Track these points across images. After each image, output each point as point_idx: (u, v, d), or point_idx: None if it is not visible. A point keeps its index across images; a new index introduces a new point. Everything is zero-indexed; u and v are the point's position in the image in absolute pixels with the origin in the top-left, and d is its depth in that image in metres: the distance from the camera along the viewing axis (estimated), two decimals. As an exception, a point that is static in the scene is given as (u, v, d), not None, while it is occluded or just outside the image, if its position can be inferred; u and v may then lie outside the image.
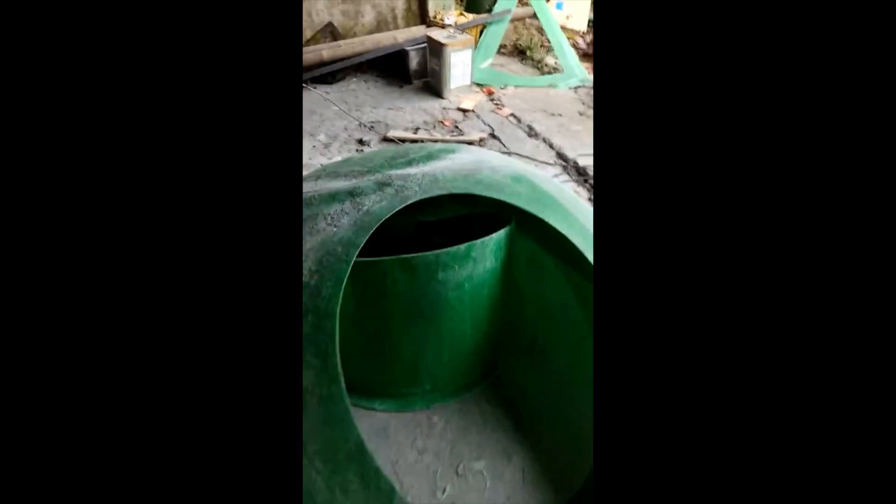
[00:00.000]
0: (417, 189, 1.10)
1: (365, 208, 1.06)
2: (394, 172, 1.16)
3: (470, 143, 2.57)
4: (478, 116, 2.84)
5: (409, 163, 1.22)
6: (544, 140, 2.61)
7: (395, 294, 1.08)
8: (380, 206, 1.06)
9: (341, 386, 0.90)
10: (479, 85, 3.20)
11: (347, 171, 1.23)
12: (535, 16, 4.04)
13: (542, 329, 1.46)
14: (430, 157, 1.26)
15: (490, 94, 3.12)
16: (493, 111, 2.90)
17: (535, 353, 1.45)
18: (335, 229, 1.04)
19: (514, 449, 1.22)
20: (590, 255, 1.19)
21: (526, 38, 3.92)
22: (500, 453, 1.21)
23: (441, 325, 1.18)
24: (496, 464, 1.18)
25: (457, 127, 2.74)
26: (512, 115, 2.86)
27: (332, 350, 0.91)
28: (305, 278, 0.98)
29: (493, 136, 2.65)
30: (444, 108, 2.91)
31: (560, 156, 2.47)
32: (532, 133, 2.67)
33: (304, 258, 1.01)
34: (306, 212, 1.10)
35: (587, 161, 2.40)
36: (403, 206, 1.05)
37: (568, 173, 2.34)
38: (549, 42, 3.91)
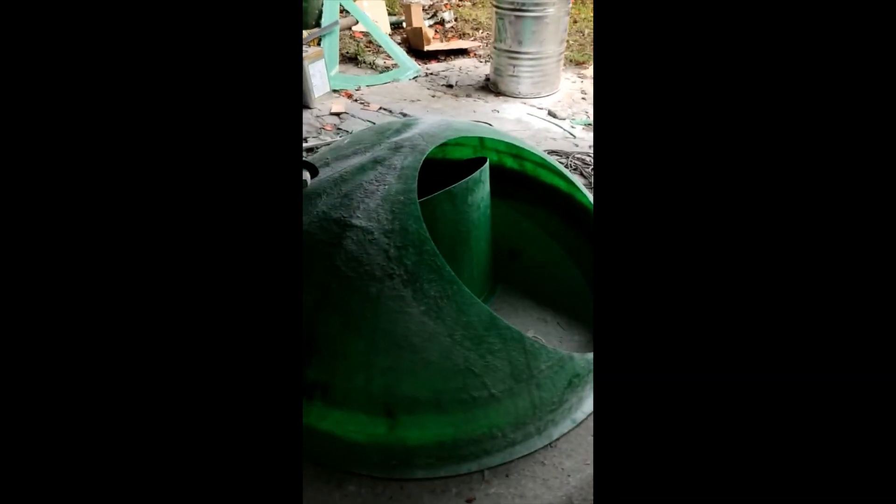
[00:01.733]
0: (425, 143, 1.39)
1: (398, 165, 1.32)
2: (395, 139, 1.42)
3: (360, 138, 2.83)
4: (352, 116, 3.09)
5: (397, 132, 1.49)
6: (421, 120, 3.02)
7: (443, 223, 1.36)
8: (409, 160, 1.33)
9: (459, 282, 1.16)
10: (335, 91, 3.43)
11: (351, 151, 1.44)
12: (350, 28, 4.39)
13: (514, 242, 1.89)
14: (407, 125, 1.54)
15: (349, 96, 3.39)
16: (363, 109, 3.18)
17: (514, 258, 1.87)
18: (386, 187, 1.28)
19: (546, 317, 1.62)
20: (542, 159, 1.65)
21: (351, 46, 4.25)
22: (538, 321, 1.60)
23: (471, 243, 1.50)
24: (540, 328, 1.57)
25: (339, 129, 2.96)
26: (381, 108, 3.18)
27: (440, 262, 1.17)
28: (387, 226, 1.21)
29: (376, 128, 2.95)
30: (317, 116, 3.08)
31: (441, 128, 2.91)
32: (405, 116, 3.05)
33: (375, 214, 1.23)
34: (348, 185, 1.30)
35: (462, 127, 2.90)
36: (425, 155, 1.34)
37: (454, 139, 2.80)
38: (370, 46, 4.30)
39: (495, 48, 3.45)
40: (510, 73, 3.40)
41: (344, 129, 2.95)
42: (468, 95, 3.49)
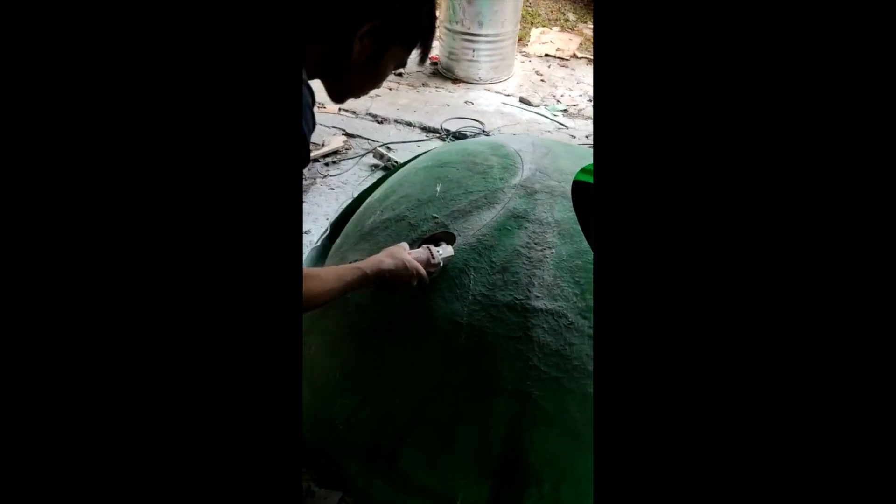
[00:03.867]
0: (560, 184, 1.16)
1: (549, 220, 1.07)
2: (516, 181, 1.16)
3: (335, 151, 2.38)
4: (311, 123, 2.59)
5: (506, 170, 1.21)
6: (397, 121, 2.64)
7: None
8: (558, 211, 1.09)
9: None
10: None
11: (466, 203, 1.14)
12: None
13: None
14: (504, 156, 1.27)
15: (292, 97, 2.84)
16: (319, 111, 2.68)
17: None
18: (552, 251, 1.03)
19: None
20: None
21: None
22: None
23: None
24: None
25: (301, 141, 2.47)
26: (341, 109, 2.72)
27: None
28: (580, 303, 0.97)
29: (349, 135, 2.51)
30: (268, 128, 2.52)
31: (426, 129, 2.58)
32: (380, 119, 2.65)
33: (558, 290, 0.98)
34: (498, 254, 1.02)
35: (451, 125, 2.60)
36: (570, 200, 1.11)
37: (444, 140, 2.50)
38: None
39: (447, 29, 3.15)
40: (469, 57, 3.14)
41: (312, 140, 2.46)
42: (424, 84, 3.16)
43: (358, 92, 0.80)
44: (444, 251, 0.99)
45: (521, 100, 3.01)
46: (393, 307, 1.07)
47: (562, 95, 3.09)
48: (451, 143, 1.64)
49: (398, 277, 0.89)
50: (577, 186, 1.46)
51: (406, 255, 0.91)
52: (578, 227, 1.06)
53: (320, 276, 0.82)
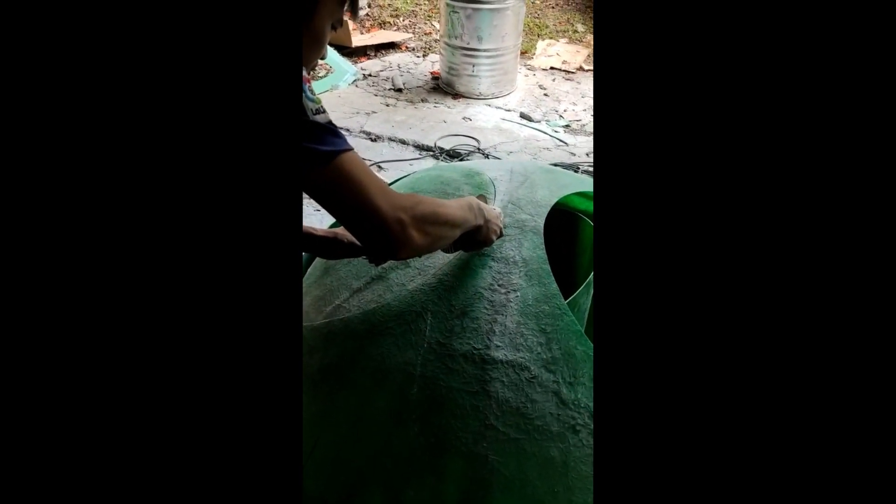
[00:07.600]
0: (532, 217, 1.07)
1: (517, 258, 0.99)
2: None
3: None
4: (304, 141, 2.56)
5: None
6: (391, 139, 2.58)
7: (578, 315, 1.07)
8: (527, 248, 1.00)
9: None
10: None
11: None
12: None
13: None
14: (477, 185, 1.19)
15: (288, 114, 2.82)
16: (314, 130, 2.66)
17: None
18: (517, 293, 0.94)
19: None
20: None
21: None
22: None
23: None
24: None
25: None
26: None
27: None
28: (545, 354, 0.88)
29: (341, 154, 2.46)
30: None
31: (420, 147, 2.52)
32: (373, 137, 2.60)
33: (521, 339, 0.89)
34: (459, 296, 0.94)
35: (445, 142, 2.53)
36: (542, 236, 1.02)
37: (437, 159, 2.44)
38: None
39: (447, 44, 3.10)
40: (469, 72, 3.08)
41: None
42: (423, 100, 3.11)
43: (304, 63, 0.76)
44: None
45: (522, 115, 2.93)
46: (344, 351, 0.99)
47: (564, 110, 3.00)
48: (428, 168, 1.58)
49: (492, 228, 0.93)
50: (562, 213, 1.37)
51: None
52: (548, 268, 0.97)
53: (446, 204, 0.83)
